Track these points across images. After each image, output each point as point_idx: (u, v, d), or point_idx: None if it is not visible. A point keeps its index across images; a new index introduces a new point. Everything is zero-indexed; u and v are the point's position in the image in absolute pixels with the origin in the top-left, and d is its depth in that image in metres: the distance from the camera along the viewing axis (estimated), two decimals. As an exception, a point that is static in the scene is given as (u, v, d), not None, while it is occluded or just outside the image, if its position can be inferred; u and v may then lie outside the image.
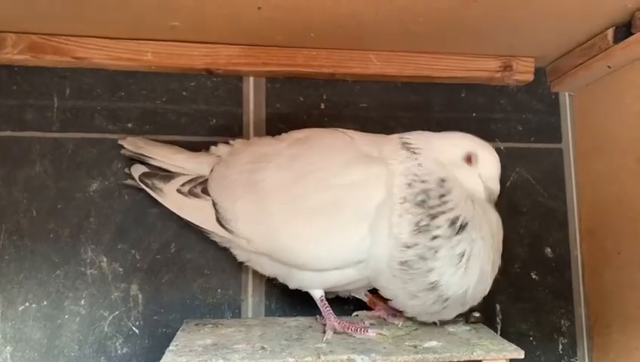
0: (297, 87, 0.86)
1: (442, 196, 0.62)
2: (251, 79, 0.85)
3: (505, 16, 0.73)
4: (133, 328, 0.78)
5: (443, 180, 0.63)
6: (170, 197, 0.73)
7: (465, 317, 0.73)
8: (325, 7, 0.69)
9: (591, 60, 0.81)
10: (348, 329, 0.66)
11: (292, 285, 0.70)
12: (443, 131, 0.70)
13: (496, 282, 0.84)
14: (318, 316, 0.72)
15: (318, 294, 0.68)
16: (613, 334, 0.81)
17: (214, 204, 0.71)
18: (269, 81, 0.86)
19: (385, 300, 0.69)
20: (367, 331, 0.65)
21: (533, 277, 0.87)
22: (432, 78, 0.86)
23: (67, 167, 0.80)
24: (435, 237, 0.61)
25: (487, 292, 0.66)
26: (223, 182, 0.71)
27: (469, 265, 0.62)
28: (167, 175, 0.74)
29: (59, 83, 0.81)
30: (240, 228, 0.69)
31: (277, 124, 0.85)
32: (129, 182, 0.78)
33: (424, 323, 0.70)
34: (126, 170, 0.78)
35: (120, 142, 0.78)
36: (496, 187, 0.66)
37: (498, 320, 0.85)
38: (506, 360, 0.61)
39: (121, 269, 0.79)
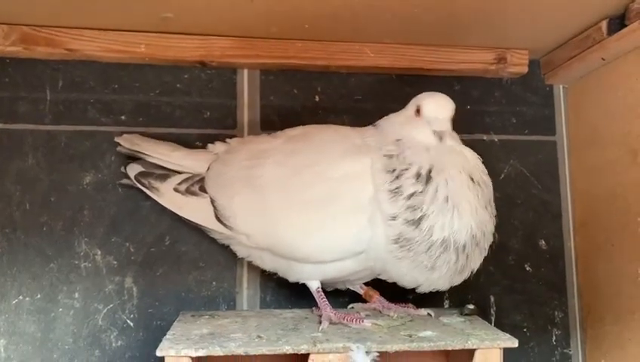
0: (291, 79, 0.86)
1: (400, 155, 0.64)
2: (245, 71, 0.85)
3: (499, 8, 0.73)
4: (128, 321, 0.78)
5: (398, 140, 0.66)
6: (167, 196, 0.73)
7: (460, 310, 0.74)
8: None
9: (585, 52, 0.81)
10: (344, 319, 0.66)
11: (292, 278, 0.70)
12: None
13: (490, 274, 0.86)
14: (314, 308, 0.72)
15: (314, 285, 0.69)
16: (606, 326, 0.82)
17: (212, 201, 0.71)
18: (263, 73, 0.85)
19: (379, 292, 0.69)
20: (362, 321, 0.66)
21: (527, 269, 0.87)
22: (426, 70, 0.86)
23: (60, 160, 0.80)
24: (410, 196, 0.62)
25: (492, 224, 0.66)
26: (220, 179, 0.71)
27: (456, 205, 0.62)
28: (163, 174, 0.74)
29: (51, 75, 0.81)
30: (239, 224, 0.69)
31: (271, 117, 0.85)
32: (125, 181, 0.78)
33: (419, 315, 0.71)
34: (122, 170, 0.77)
35: (116, 139, 0.78)
36: (440, 127, 0.65)
37: (492, 311, 0.86)
38: (500, 349, 0.61)
39: (115, 262, 0.79)
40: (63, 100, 0.81)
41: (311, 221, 0.65)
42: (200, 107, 0.84)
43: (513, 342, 0.61)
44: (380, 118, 0.71)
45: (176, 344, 0.58)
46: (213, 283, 0.81)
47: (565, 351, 0.87)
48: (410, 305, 0.73)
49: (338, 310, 0.68)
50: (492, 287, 0.86)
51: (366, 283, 0.75)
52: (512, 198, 0.88)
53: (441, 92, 0.68)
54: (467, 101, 0.89)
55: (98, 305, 0.78)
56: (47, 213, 0.78)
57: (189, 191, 0.73)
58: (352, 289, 0.75)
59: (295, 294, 0.79)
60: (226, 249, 0.76)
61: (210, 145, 0.77)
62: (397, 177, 0.63)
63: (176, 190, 0.73)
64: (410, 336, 0.62)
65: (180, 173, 0.75)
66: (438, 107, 0.67)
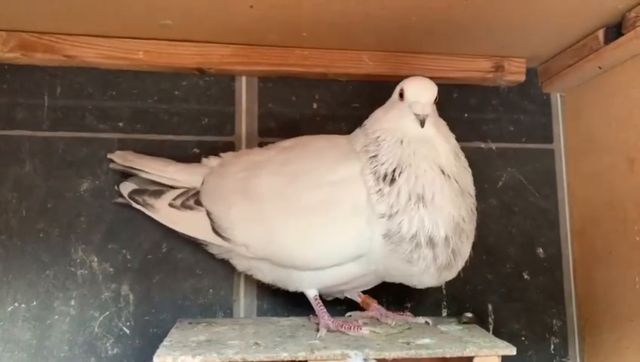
0: (290, 86, 0.86)
1: (378, 154, 0.64)
2: (244, 79, 0.85)
3: (497, 16, 0.73)
4: (124, 328, 0.78)
5: (377, 137, 0.66)
6: (163, 212, 0.73)
7: (458, 318, 0.74)
8: (316, 3, 0.69)
9: (582, 61, 0.81)
10: (342, 327, 0.66)
11: (291, 287, 0.70)
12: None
13: (488, 282, 0.86)
14: (311, 315, 0.72)
15: (312, 293, 0.69)
16: (604, 334, 0.81)
17: (209, 214, 0.71)
18: (261, 80, 0.86)
19: (377, 301, 0.69)
20: (360, 329, 0.65)
21: (525, 277, 0.87)
22: (424, 78, 0.86)
23: (57, 166, 0.79)
24: (384, 194, 0.62)
25: (473, 207, 0.66)
26: (216, 191, 0.72)
27: (428, 200, 0.62)
28: (157, 190, 0.74)
29: (49, 81, 0.81)
30: (237, 235, 0.69)
31: (269, 124, 0.85)
32: (120, 200, 0.77)
33: (417, 323, 0.71)
34: (115, 188, 0.77)
35: (109, 156, 0.78)
36: (421, 110, 0.64)
37: (490, 320, 0.85)
38: (498, 356, 0.61)
39: (111, 269, 0.79)
40: (61, 107, 0.81)
41: (311, 226, 0.65)
42: (198, 114, 0.84)
43: (511, 350, 0.61)
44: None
45: (174, 350, 0.58)
46: (210, 290, 0.80)
47: (564, 359, 0.86)
48: (409, 313, 0.73)
49: (336, 318, 0.68)
50: (490, 296, 0.86)
51: (364, 292, 0.74)
52: (510, 206, 0.88)
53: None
54: (465, 109, 0.89)
55: (94, 312, 0.77)
56: (43, 220, 0.78)
57: (184, 206, 0.72)
58: (350, 297, 0.75)
59: (292, 302, 0.79)
60: (223, 257, 0.76)
61: (204, 160, 0.78)
62: (379, 178, 0.63)
63: (171, 205, 0.73)
64: (408, 344, 0.62)
65: (174, 188, 0.74)
66: (420, 90, 0.66)
